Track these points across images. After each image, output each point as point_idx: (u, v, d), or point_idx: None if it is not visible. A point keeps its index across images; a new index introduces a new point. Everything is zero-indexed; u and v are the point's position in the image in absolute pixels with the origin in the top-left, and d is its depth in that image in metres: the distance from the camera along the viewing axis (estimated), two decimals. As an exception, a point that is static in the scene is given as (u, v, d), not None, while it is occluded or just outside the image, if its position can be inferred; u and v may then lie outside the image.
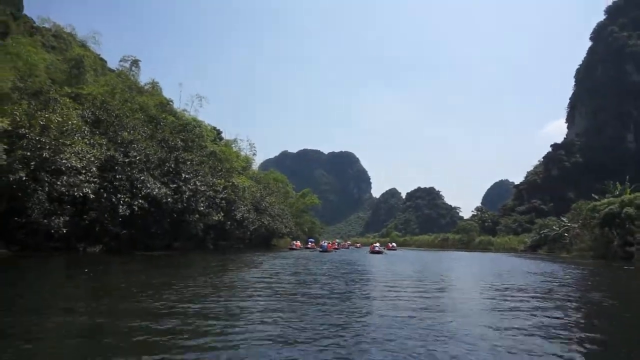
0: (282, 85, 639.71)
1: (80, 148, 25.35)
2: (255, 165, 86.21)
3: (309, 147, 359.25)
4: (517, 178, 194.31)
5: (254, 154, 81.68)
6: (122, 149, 31.80)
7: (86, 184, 25.66)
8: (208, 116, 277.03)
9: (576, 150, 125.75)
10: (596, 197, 54.13)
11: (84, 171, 25.52)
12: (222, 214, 42.19)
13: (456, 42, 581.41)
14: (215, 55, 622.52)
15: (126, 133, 32.87)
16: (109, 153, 29.57)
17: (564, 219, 72.18)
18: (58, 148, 24.19)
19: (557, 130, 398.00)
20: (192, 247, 40.40)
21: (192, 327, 7.13)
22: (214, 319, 7.90)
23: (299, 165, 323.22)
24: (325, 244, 62.50)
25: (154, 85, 61.16)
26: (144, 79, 62.93)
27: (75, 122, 26.11)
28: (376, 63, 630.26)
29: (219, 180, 43.53)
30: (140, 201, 30.71)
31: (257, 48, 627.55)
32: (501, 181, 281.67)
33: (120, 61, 59.87)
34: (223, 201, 42.88)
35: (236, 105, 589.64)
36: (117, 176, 30.04)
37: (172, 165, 36.83)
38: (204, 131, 55.62)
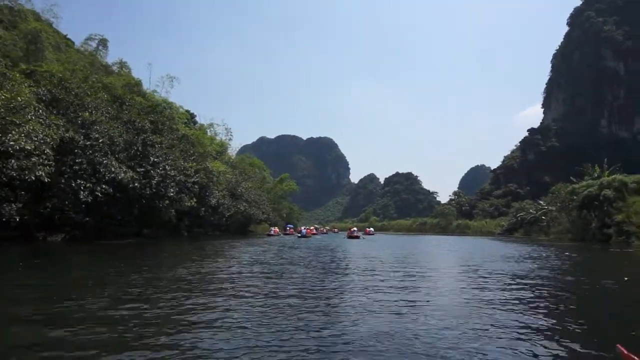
0: (263, 72, 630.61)
1: (31, 128, 22.97)
2: (232, 151, 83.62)
3: (287, 133, 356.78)
4: (494, 163, 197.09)
5: (230, 139, 78.87)
6: (83, 131, 29.37)
7: (40, 167, 23.40)
8: (185, 101, 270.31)
9: (552, 135, 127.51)
10: (574, 180, 54.23)
11: (36, 152, 23.22)
12: (195, 200, 40.26)
13: (434, 28, 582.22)
14: (197, 43, 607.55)
15: (87, 113, 30.36)
16: (67, 135, 27.12)
17: (541, 202, 72.87)
18: (5, 127, 21.84)
19: (534, 115, 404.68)
20: (165, 235, 38.63)
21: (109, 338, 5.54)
22: (154, 324, 6.33)
23: (277, 151, 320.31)
24: (304, 229, 62.00)
25: (122, 65, 57.87)
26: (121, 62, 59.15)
27: (25, 98, 23.62)
28: (356, 51, 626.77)
29: (190, 164, 41.35)
30: (103, 186, 28.56)
31: (240, 36, 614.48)
32: (478, 166, 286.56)
33: (87, 39, 56.34)
34: (195, 186, 40.87)
35: (213, 91, 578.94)
36: (77, 160, 27.73)
37: (140, 148, 34.52)
38: (174, 113, 53.04)
